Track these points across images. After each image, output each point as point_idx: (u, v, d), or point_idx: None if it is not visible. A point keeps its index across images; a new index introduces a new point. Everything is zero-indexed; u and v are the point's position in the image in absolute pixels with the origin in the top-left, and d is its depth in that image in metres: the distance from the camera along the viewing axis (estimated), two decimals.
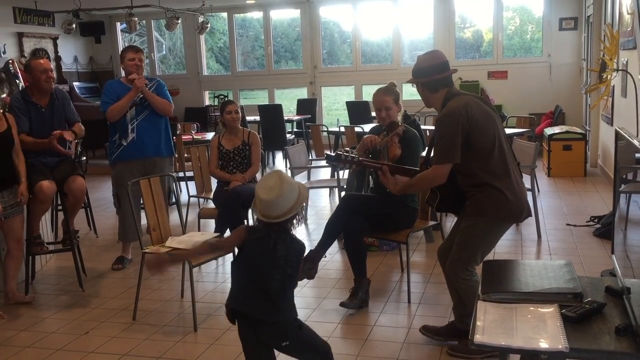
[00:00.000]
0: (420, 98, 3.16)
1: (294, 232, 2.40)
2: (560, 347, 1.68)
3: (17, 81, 8.65)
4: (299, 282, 3.81)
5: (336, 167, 3.06)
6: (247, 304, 2.36)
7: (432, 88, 3.04)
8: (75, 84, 11.47)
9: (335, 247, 4.85)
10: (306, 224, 5.96)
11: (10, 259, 4.02)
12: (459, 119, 2.84)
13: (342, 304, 3.69)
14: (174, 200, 5.01)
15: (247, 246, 2.37)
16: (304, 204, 2.39)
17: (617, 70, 6.05)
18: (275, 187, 2.26)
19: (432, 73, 3.03)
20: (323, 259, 3.84)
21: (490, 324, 1.83)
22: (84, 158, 4.66)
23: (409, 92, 12.08)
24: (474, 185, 2.96)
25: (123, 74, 4.79)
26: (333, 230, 3.79)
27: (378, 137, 3.82)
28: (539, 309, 1.91)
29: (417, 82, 3.07)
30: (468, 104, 2.89)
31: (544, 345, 1.70)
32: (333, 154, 3.32)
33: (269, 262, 2.34)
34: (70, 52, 11.78)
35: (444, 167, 2.89)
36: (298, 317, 2.46)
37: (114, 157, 4.72)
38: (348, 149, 3.42)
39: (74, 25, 11.22)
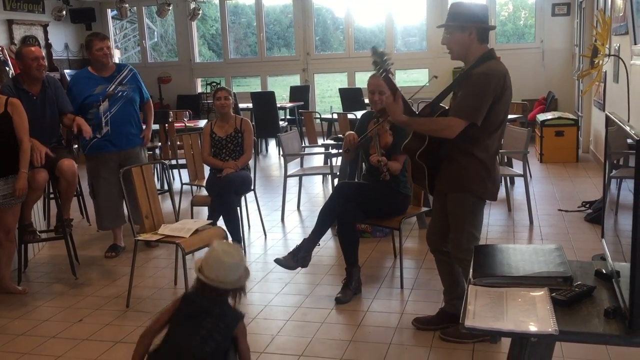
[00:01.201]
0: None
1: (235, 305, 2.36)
2: (550, 330, 1.70)
3: (7, 68, 8.58)
4: (292, 270, 3.86)
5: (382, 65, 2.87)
6: None
7: (483, 37, 2.86)
8: (66, 71, 11.37)
9: (328, 234, 4.86)
10: (299, 211, 5.96)
11: (0, 250, 4.00)
12: (498, 83, 2.78)
13: (337, 299, 3.69)
14: (165, 187, 5.01)
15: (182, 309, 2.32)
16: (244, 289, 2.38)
17: (609, 55, 6.06)
18: (235, 253, 2.30)
19: (485, 20, 2.85)
20: (317, 246, 3.84)
21: (481, 308, 1.84)
22: (75, 146, 4.62)
23: (402, 79, 12.09)
24: (465, 153, 2.89)
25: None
26: (327, 219, 3.79)
27: (361, 135, 3.82)
28: (530, 293, 1.92)
29: (473, 26, 2.81)
30: (507, 73, 2.83)
31: (533, 328, 1.72)
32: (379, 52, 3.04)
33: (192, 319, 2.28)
34: (60, 39, 11.67)
35: (463, 123, 2.79)
36: None
37: (88, 148, 4.65)
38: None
39: (64, 12, 11.13)
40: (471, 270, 2.13)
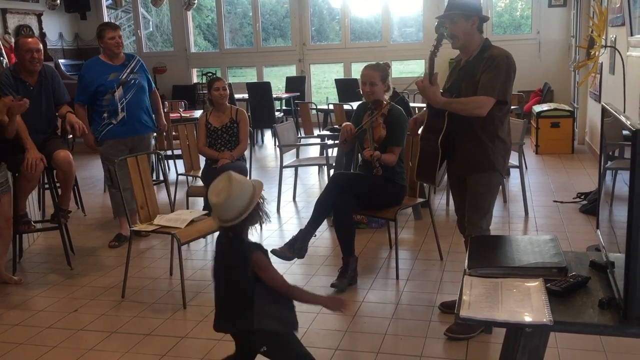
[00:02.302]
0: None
1: (249, 237, 2.29)
2: (544, 320, 1.70)
3: (1, 58, 8.53)
4: (289, 261, 3.86)
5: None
6: (221, 322, 2.36)
7: (481, 27, 3.04)
8: (61, 61, 11.31)
9: (324, 224, 4.86)
10: (295, 202, 5.96)
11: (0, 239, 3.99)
12: (513, 65, 2.98)
13: (332, 285, 3.71)
14: (161, 178, 4.99)
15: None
16: (263, 200, 2.25)
17: (605, 46, 6.06)
18: (224, 189, 2.17)
19: (481, 10, 3.05)
20: (313, 237, 3.85)
21: (476, 298, 1.84)
22: (70, 136, 4.61)
23: (398, 70, 12.06)
24: (490, 134, 3.03)
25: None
26: (322, 210, 3.79)
27: (354, 127, 3.84)
28: (525, 283, 1.93)
29: (475, 16, 3.00)
30: (513, 57, 3.03)
31: (528, 318, 1.72)
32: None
33: (219, 265, 2.33)
34: (55, 29, 11.59)
35: (493, 101, 2.92)
36: (284, 333, 2.35)
37: (102, 135, 4.69)
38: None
39: (58, 1, 11.02)
40: (466, 260, 2.13)
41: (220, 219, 2.21)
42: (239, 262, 2.22)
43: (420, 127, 3.34)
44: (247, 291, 2.22)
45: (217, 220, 2.24)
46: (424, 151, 3.13)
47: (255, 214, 2.22)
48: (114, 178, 4.68)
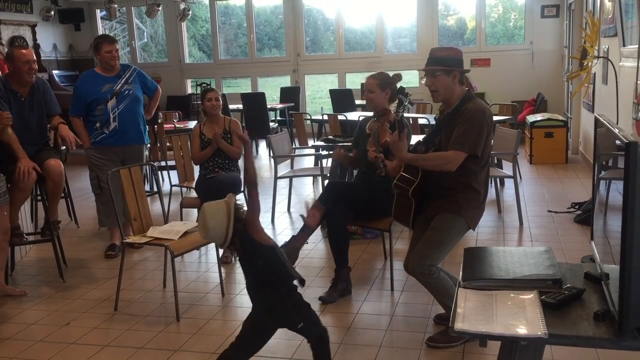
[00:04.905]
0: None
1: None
2: (539, 333, 1.69)
3: None
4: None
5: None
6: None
7: (462, 80, 3.10)
8: (55, 72, 11.29)
9: (318, 235, 4.85)
10: (289, 213, 5.94)
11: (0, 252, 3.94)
12: (488, 120, 3.03)
13: (320, 299, 3.68)
14: (155, 189, 4.97)
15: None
16: (240, 207, 2.48)
17: (598, 57, 6.09)
18: (202, 225, 2.45)
19: (462, 65, 3.11)
20: (306, 245, 3.82)
21: (471, 311, 1.83)
22: (64, 147, 4.59)
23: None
24: (463, 185, 3.06)
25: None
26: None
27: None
28: (519, 296, 1.91)
29: (457, 71, 3.06)
30: (490, 112, 3.09)
31: (523, 331, 1.71)
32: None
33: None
34: (49, 40, 11.58)
35: (464, 155, 2.97)
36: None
37: (93, 142, 4.70)
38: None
39: (52, 12, 11.04)
40: (461, 272, 2.12)
41: (219, 244, 2.52)
42: (262, 251, 2.48)
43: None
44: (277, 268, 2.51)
45: (218, 245, 2.60)
46: (399, 198, 3.22)
47: (236, 232, 2.43)
48: (102, 184, 4.68)
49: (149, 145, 5.29)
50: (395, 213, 3.29)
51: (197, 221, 2.52)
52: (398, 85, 3.93)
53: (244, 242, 2.46)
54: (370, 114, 4.15)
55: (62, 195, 4.81)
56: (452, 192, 3.08)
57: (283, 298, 2.52)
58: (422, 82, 3.16)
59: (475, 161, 3.03)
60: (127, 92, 4.70)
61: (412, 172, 3.13)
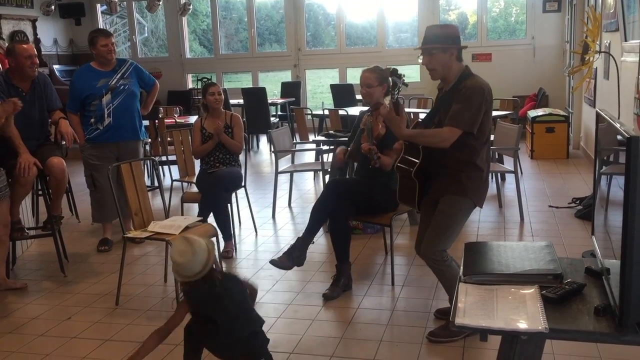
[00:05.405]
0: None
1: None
2: (540, 327, 1.69)
3: None
4: (288, 270, 3.83)
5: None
6: None
7: (460, 56, 3.04)
8: (56, 66, 11.28)
9: (320, 230, 4.84)
10: (290, 208, 5.95)
11: (1, 246, 3.95)
12: (487, 96, 2.97)
13: (324, 295, 3.69)
14: (155, 184, 4.97)
15: (193, 305, 2.49)
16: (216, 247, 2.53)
17: (599, 52, 6.07)
18: (186, 249, 2.36)
19: (459, 42, 3.05)
20: (310, 244, 3.82)
21: (471, 306, 1.83)
22: (64, 142, 4.59)
23: None
24: (466, 162, 3.02)
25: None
26: (319, 217, 3.78)
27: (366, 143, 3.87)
28: (520, 290, 1.92)
29: (454, 47, 2.99)
30: (490, 88, 3.01)
31: (523, 326, 1.71)
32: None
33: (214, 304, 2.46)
34: (49, 35, 11.57)
35: (458, 132, 2.92)
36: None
37: (88, 138, 4.70)
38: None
39: (53, 7, 11.02)
40: (461, 267, 2.12)
41: (185, 275, 2.38)
42: (235, 295, 2.46)
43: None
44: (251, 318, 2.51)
45: (182, 277, 2.41)
46: (402, 181, 3.18)
47: (212, 272, 2.41)
48: (97, 183, 4.69)
49: (148, 140, 5.28)
50: (400, 196, 3.24)
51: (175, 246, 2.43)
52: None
53: (210, 282, 2.41)
54: None
55: (66, 188, 4.80)
56: (453, 171, 3.04)
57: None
58: (419, 61, 3.09)
59: (475, 137, 2.98)
60: (122, 87, 4.69)
61: (414, 154, 3.09)
